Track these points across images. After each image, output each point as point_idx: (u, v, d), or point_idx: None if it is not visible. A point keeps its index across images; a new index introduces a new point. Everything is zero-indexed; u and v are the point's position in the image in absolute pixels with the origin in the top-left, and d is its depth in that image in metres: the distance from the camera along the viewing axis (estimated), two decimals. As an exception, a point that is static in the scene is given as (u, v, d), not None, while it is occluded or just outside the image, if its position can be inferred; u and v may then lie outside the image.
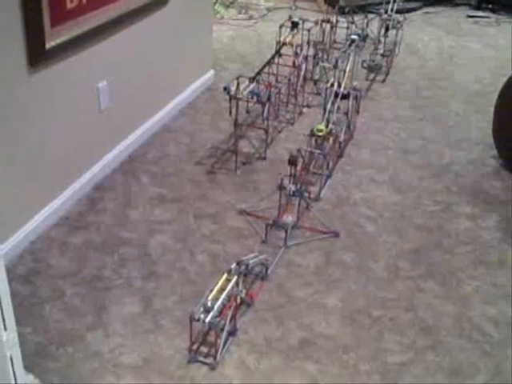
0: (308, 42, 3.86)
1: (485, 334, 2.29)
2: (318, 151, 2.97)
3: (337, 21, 4.89)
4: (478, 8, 6.04)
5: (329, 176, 3.19)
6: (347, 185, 3.15)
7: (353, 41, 3.43)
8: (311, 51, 4.02)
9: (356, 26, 4.90)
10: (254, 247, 2.67)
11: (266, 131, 3.27)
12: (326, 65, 3.87)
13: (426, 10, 6.03)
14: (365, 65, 4.17)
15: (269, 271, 2.52)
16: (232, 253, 2.61)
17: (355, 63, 3.57)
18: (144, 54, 3.30)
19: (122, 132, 3.22)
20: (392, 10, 4.59)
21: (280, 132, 3.62)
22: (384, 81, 4.38)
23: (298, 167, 2.93)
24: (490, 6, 5.99)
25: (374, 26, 4.67)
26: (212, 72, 4.21)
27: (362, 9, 5.32)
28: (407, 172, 3.29)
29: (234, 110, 3.09)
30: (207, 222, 2.82)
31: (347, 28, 4.86)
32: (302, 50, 3.69)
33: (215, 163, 3.28)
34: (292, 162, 2.68)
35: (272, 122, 3.62)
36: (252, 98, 3.06)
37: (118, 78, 3.08)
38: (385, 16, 4.55)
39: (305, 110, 3.86)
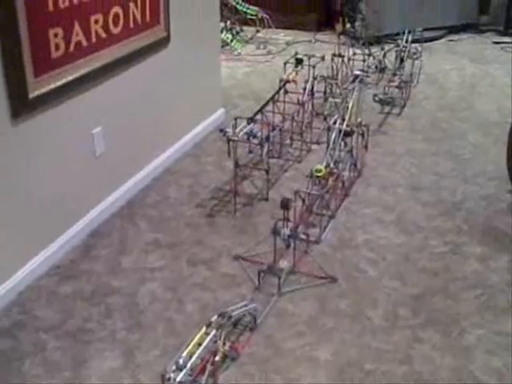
0: (315, 78, 3.78)
1: (487, 390, 2.12)
2: (315, 193, 2.86)
3: (354, 53, 4.83)
4: (505, 34, 5.86)
5: (332, 217, 3.07)
6: (351, 226, 3.03)
7: (356, 76, 3.32)
8: (321, 87, 3.95)
9: (374, 58, 4.82)
10: (247, 295, 2.56)
11: (267, 172, 3.19)
12: (336, 100, 3.77)
13: (450, 37, 5.89)
14: (376, 98, 4.06)
15: (259, 321, 2.40)
16: (223, 301, 2.51)
17: (361, 99, 3.45)
18: (145, 97, 3.28)
19: (120, 177, 3.18)
20: (407, 41, 4.47)
21: (286, 171, 3.53)
22: (400, 114, 4.25)
23: (300, 209, 2.85)
24: (517, 31, 5.81)
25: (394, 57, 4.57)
26: (222, 110, 4.16)
27: (380, 40, 5.23)
28: (416, 210, 3.14)
29: (235, 152, 3.03)
30: (201, 269, 2.73)
31: (364, 61, 4.78)
32: (308, 86, 3.61)
33: (215, 206, 3.20)
34: (284, 205, 2.58)
35: (277, 161, 3.55)
36: (248, 139, 2.99)
37: (116, 122, 3.06)
38: (400, 47, 4.45)
39: (314, 146, 3.76)
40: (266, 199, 3.24)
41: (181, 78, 3.60)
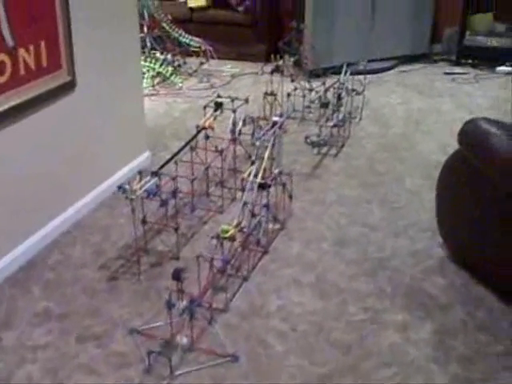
0: (244, 121, 3.53)
1: None
2: (219, 257, 2.59)
3: (295, 88, 4.61)
4: (457, 64, 5.68)
5: (245, 279, 2.82)
6: (265, 289, 2.76)
7: (275, 123, 3.07)
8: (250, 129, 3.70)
9: (316, 93, 4.60)
10: (135, 379, 2.29)
11: (176, 230, 2.92)
12: (262, 144, 3.52)
13: (401, 68, 5.69)
14: (308, 141, 3.80)
15: (142, 413, 2.13)
16: (106, 387, 2.24)
17: (281, 147, 3.21)
18: (48, 146, 3.02)
19: (14, 238, 2.90)
20: (346, 73, 4.25)
21: (205, 223, 3.27)
22: (337, 155, 4.02)
23: (208, 273, 2.59)
24: (469, 61, 5.62)
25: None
26: (147, 154, 3.90)
27: (325, 73, 5.01)
28: (338, 270, 2.89)
29: (133, 209, 2.77)
30: (90, 346, 2.45)
31: (303, 96, 4.57)
32: (229, 129, 3.39)
33: (121, 267, 2.93)
34: (175, 277, 2.32)
35: (197, 213, 3.30)
36: (148, 197, 2.73)
37: (8, 176, 2.79)
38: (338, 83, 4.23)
39: (239, 194, 3.50)
40: (177, 258, 2.97)
41: (93, 124, 3.35)
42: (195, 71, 5.60)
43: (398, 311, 2.61)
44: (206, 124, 3.20)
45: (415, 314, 2.59)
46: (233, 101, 3.48)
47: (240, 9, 5.81)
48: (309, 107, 4.64)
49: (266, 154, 2.95)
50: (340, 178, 3.73)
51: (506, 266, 2.54)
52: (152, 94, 5.10)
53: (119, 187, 2.71)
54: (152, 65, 5.16)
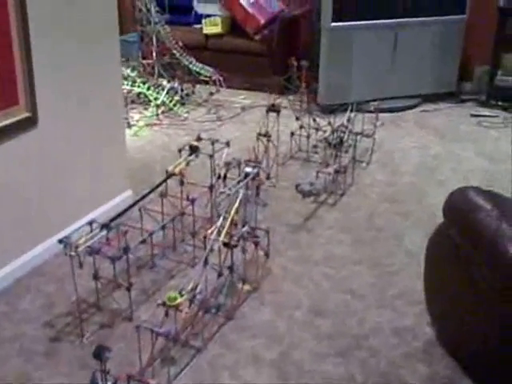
0: (227, 164, 3.23)
1: None
2: (161, 332, 2.27)
3: (301, 127, 4.30)
4: (486, 105, 5.24)
5: (199, 350, 2.49)
6: (218, 365, 2.43)
7: (247, 175, 2.75)
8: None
9: (324, 133, 4.26)
10: None
11: (128, 289, 2.63)
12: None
13: (424, 107, 5.28)
14: (299, 189, 3.45)
15: None
16: None
17: (253, 201, 2.89)
18: (1, 186, 2.79)
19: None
20: (351, 114, 3.90)
21: (172, 278, 2.96)
22: (335, 204, 3.66)
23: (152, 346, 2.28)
24: (499, 103, 5.18)
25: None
26: (129, 193, 3.63)
27: (335, 112, 4.67)
28: (306, 346, 2.53)
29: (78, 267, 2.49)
30: (6, 424, 2.17)
31: (308, 137, 4.25)
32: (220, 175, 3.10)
33: (68, 325, 2.65)
34: (96, 355, 2.01)
35: (167, 263, 3.01)
36: (91, 254, 2.44)
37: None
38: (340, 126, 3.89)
39: (217, 245, 3.18)
40: (130, 319, 2.67)
41: (61, 161, 3.10)
42: (205, 101, 5.34)
43: (366, 406, 2.25)
44: (176, 170, 2.90)
45: (385, 412, 2.22)
46: (213, 143, 3.18)
47: (257, 37, 5.53)
48: (315, 147, 4.31)
49: (233, 210, 2.63)
50: (332, 232, 3.37)
51: (496, 363, 2.15)
52: (154, 124, 4.86)
53: (60, 240, 2.43)
54: (155, 94, 4.91)
